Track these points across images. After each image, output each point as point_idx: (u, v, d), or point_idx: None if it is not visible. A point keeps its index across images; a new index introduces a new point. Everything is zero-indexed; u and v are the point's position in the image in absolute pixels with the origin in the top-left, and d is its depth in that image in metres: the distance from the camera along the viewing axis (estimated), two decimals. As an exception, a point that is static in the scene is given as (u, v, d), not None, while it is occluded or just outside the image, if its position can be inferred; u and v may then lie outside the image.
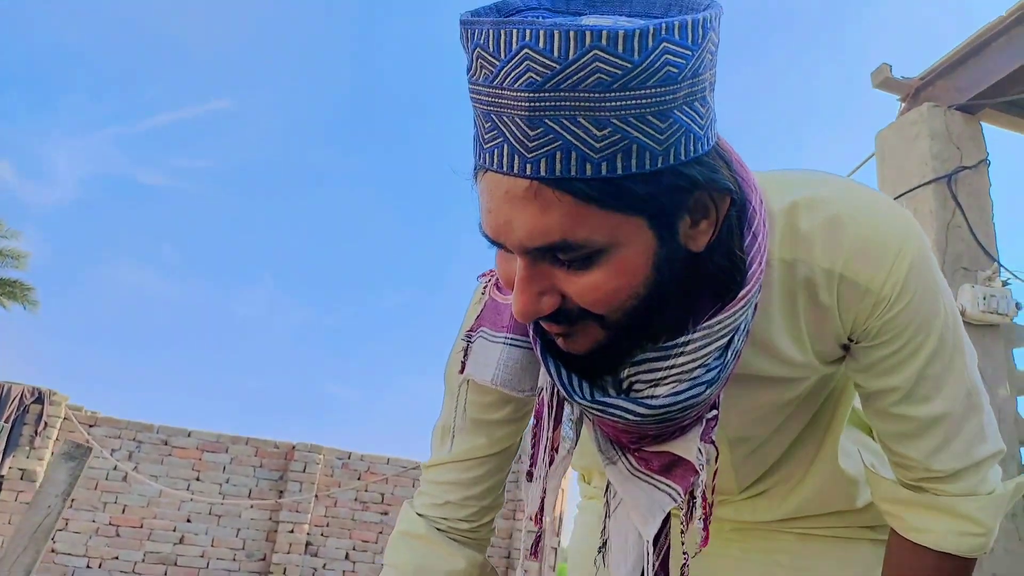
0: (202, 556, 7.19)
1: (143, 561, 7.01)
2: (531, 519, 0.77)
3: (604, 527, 0.80)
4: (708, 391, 0.65)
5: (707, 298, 0.65)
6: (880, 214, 0.71)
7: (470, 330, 0.82)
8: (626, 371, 0.66)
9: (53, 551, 6.75)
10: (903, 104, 3.64)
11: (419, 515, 0.91)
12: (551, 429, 0.74)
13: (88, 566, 6.85)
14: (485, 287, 0.83)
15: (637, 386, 0.66)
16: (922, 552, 0.79)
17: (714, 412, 0.69)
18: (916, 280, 0.70)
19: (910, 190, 3.29)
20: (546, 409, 0.75)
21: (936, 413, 0.75)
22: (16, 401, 6.93)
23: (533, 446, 0.76)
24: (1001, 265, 3.25)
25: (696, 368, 0.64)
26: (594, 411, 0.67)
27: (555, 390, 0.74)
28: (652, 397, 0.65)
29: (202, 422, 8.40)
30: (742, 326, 0.66)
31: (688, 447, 0.69)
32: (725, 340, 0.65)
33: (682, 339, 0.64)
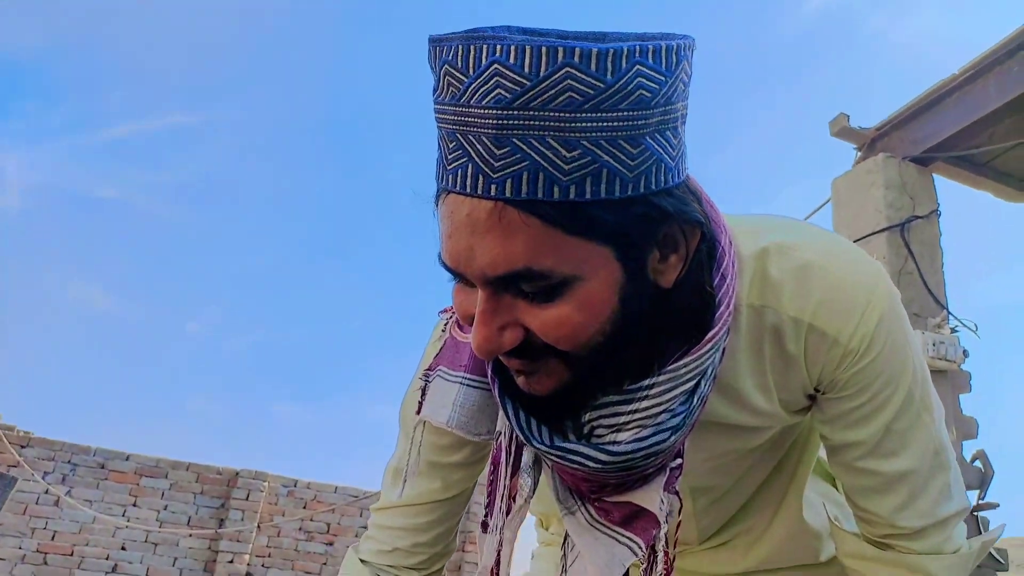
0: (135, 586, 6.89)
1: (71, 591, 6.68)
2: (488, 573, 0.73)
3: None
4: (673, 438, 0.62)
5: (674, 339, 0.63)
6: (852, 264, 0.70)
7: (428, 369, 0.78)
8: (587, 415, 0.63)
9: (-26, 578, 6.39)
10: (859, 153, 3.74)
11: (364, 562, 0.86)
12: (508, 477, 0.70)
13: (11, 595, 6.51)
14: (446, 324, 0.80)
15: (599, 431, 0.63)
16: None
17: (678, 461, 0.67)
18: (885, 333, 0.69)
19: (864, 237, 3.37)
20: (504, 455, 0.71)
21: (902, 469, 0.73)
22: (-56, 418, 6.61)
23: (489, 494, 0.72)
24: (950, 313, 3.34)
25: (661, 413, 0.62)
26: (553, 457, 0.64)
27: (513, 435, 0.70)
28: (614, 443, 0.62)
29: (142, 445, 8.08)
30: (709, 370, 0.63)
31: (651, 497, 0.66)
32: (691, 384, 0.62)
33: (646, 382, 0.61)
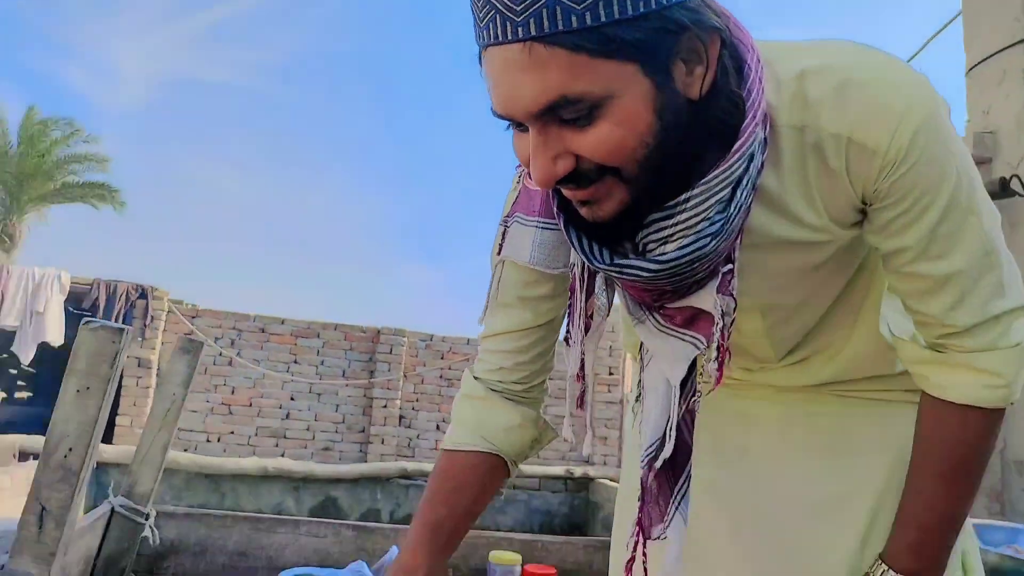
0: (307, 429, 7.82)
1: (256, 435, 7.70)
2: (574, 378, 0.86)
3: (640, 380, 0.87)
4: (713, 243, 0.69)
5: (709, 152, 0.68)
6: (890, 78, 0.71)
7: (507, 216, 0.89)
8: (640, 235, 0.71)
9: (177, 427, 7.46)
10: (997, -57, 3.32)
11: (477, 379, 1.00)
12: (584, 299, 0.82)
13: (208, 440, 7.59)
14: (520, 176, 0.89)
15: (650, 246, 0.71)
16: (947, 408, 0.82)
17: (729, 266, 0.73)
18: (922, 143, 0.70)
19: (999, 51, 3.06)
20: (578, 282, 0.82)
21: (950, 271, 0.76)
22: (123, 297, 7.50)
23: (569, 315, 0.83)
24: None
25: (700, 222, 0.68)
26: (613, 273, 0.73)
27: (584, 264, 0.80)
28: (662, 254, 0.70)
29: (294, 310, 8.85)
30: (744, 180, 0.69)
31: (706, 299, 0.74)
32: (725, 193, 0.68)
33: (683, 196, 0.68)
